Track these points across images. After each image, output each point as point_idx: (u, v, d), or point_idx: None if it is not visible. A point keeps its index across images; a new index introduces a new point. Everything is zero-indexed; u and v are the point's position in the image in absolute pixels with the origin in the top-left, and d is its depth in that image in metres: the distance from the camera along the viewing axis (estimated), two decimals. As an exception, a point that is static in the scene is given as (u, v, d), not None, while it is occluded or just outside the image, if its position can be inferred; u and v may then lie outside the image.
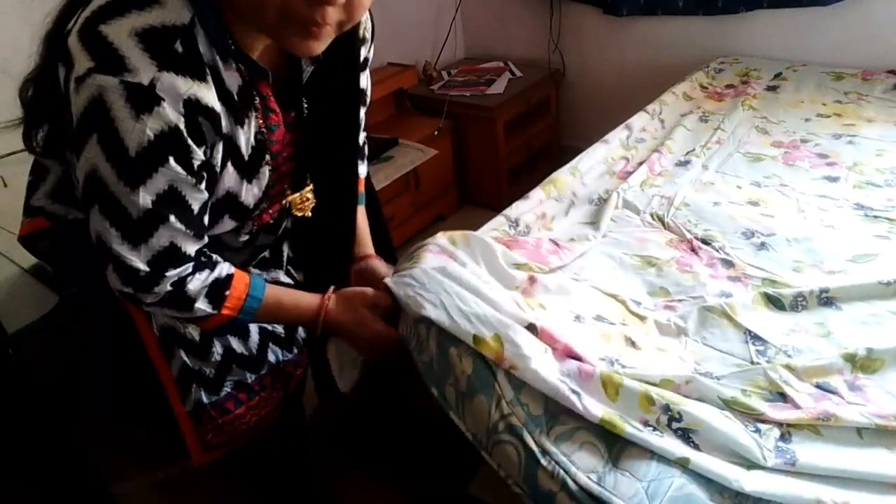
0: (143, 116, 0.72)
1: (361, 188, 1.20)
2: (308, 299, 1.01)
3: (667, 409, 0.93)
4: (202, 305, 0.88)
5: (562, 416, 0.93)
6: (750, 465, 0.90)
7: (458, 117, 2.72)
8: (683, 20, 2.58)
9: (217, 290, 0.89)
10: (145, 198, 0.77)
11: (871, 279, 1.22)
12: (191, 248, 0.85)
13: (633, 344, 1.12)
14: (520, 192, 1.57)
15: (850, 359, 1.07)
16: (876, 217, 1.47)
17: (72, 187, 0.95)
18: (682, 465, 0.88)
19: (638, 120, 2.05)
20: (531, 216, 1.55)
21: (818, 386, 1.03)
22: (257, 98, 0.87)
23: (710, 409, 0.95)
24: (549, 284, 1.20)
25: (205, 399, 1.05)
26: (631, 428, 0.90)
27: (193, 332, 1.02)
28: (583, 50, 2.92)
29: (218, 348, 1.04)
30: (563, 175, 1.73)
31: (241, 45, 0.82)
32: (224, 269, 0.92)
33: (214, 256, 0.92)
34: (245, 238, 1.01)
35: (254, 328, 1.09)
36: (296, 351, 1.18)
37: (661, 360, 1.09)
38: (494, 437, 0.92)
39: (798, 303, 1.21)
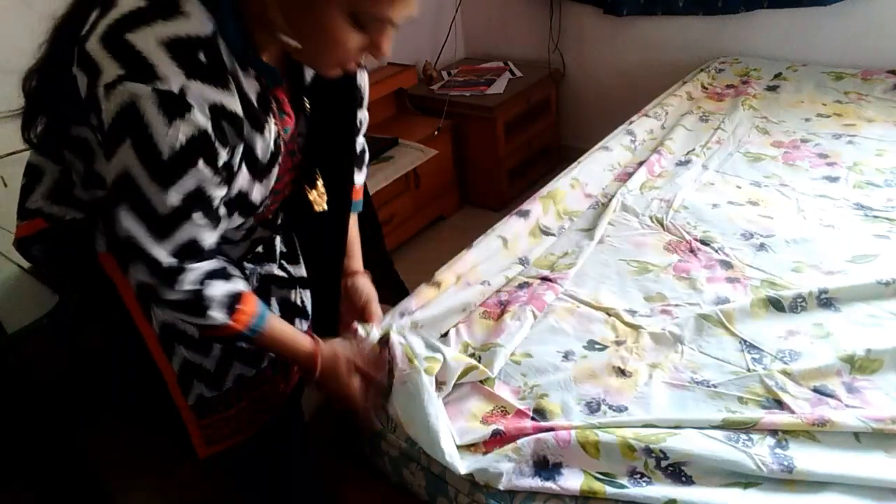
0: (176, 122, 0.76)
1: (357, 196, 1.23)
2: (303, 344, 1.05)
3: (649, 451, 0.94)
4: (215, 314, 0.91)
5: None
6: (748, 482, 0.90)
7: (458, 117, 2.72)
8: (683, 20, 2.58)
9: (232, 302, 0.93)
10: (174, 196, 0.81)
11: (871, 279, 1.22)
12: (209, 239, 0.89)
13: (622, 372, 1.13)
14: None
15: (849, 360, 1.07)
16: (876, 217, 1.47)
17: (70, 187, 0.96)
18: None
19: (641, 124, 2.04)
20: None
21: (815, 390, 1.04)
22: (273, 103, 0.91)
23: (692, 436, 0.95)
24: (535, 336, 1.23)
25: (206, 394, 1.06)
26: (612, 488, 0.92)
27: (193, 329, 1.03)
28: (583, 50, 2.92)
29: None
30: (562, 187, 1.69)
31: (255, 46, 0.86)
32: (241, 285, 0.96)
33: (231, 267, 0.96)
34: (243, 232, 1.04)
35: None
36: None
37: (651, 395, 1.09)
38: None
39: (797, 304, 1.21)
